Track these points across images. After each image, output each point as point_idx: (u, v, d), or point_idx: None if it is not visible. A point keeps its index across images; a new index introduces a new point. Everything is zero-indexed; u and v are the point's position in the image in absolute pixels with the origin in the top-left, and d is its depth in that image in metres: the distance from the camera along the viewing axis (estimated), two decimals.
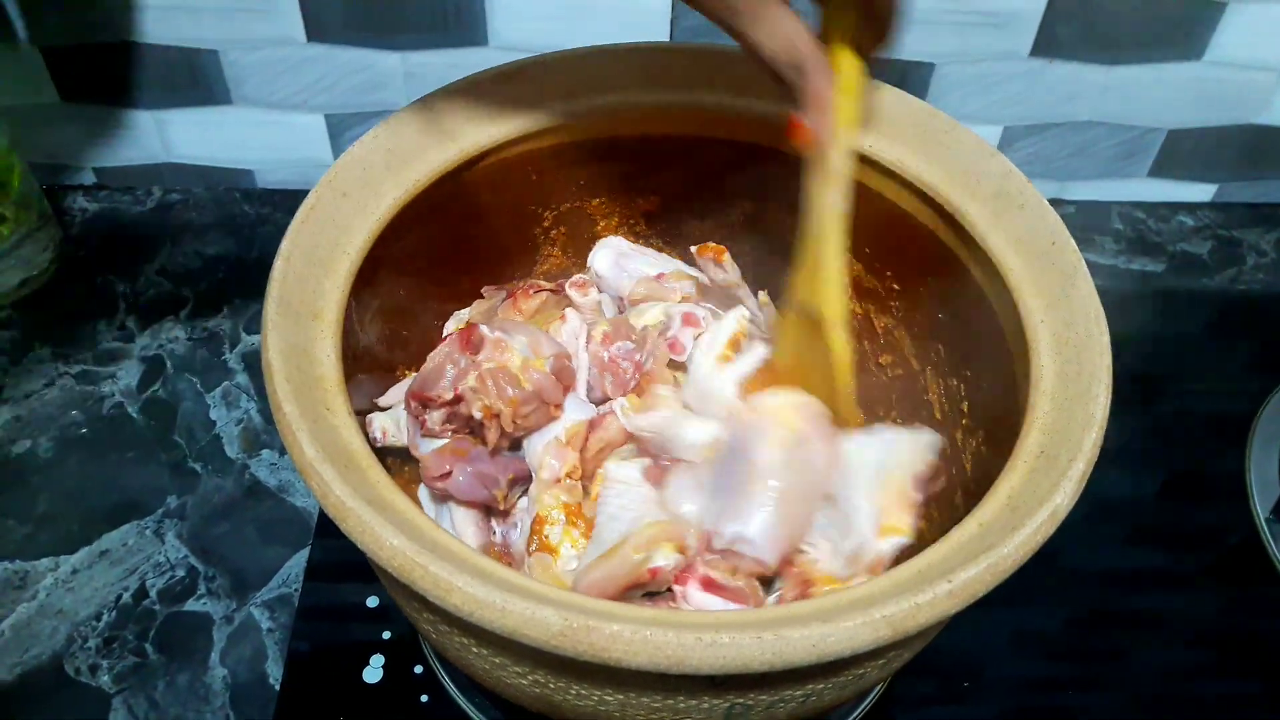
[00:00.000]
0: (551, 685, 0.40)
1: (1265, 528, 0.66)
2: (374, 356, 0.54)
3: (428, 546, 0.37)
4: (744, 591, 0.47)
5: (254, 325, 0.75)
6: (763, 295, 0.60)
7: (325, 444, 0.40)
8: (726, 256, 0.58)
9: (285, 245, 0.46)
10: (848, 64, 0.45)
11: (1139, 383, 0.74)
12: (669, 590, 0.48)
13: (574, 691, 0.40)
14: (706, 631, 0.35)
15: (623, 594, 0.46)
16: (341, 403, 0.43)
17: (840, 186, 0.46)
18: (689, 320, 0.56)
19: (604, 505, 0.51)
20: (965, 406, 0.55)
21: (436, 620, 0.41)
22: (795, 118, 0.44)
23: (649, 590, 0.47)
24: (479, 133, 0.54)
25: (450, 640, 0.42)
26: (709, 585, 0.47)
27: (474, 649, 0.41)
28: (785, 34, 0.42)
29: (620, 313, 0.61)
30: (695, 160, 0.60)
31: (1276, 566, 0.64)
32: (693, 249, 0.59)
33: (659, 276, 0.59)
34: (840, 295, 0.48)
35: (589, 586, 0.46)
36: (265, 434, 0.69)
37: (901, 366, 0.60)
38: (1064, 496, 0.40)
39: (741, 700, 0.40)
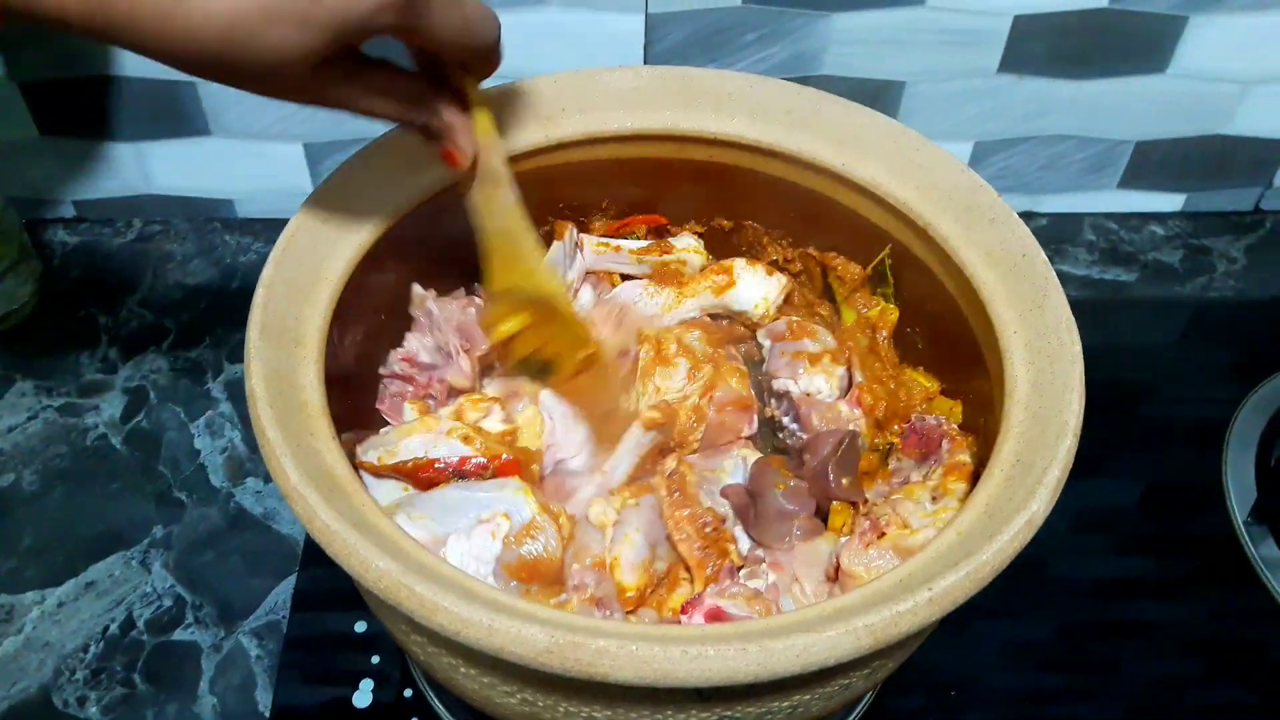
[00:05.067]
0: (540, 703, 0.41)
1: (1243, 531, 0.67)
2: (356, 381, 0.54)
3: (413, 568, 0.37)
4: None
5: (237, 354, 0.75)
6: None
7: (309, 469, 0.40)
8: None
9: (267, 273, 0.47)
10: (467, 86, 0.48)
11: (1115, 392, 0.74)
12: None
13: (562, 709, 0.40)
14: (692, 644, 0.35)
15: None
16: (325, 427, 0.43)
17: (509, 185, 0.51)
18: None
19: None
20: None
21: (424, 641, 0.41)
22: (444, 149, 0.48)
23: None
24: None
25: (438, 661, 0.42)
26: (715, 616, 0.45)
27: (462, 669, 0.41)
28: (404, 92, 0.46)
29: None
30: (675, 180, 0.60)
31: (1255, 569, 0.65)
32: None
33: None
34: (552, 270, 0.56)
35: None
36: (250, 462, 0.69)
37: None
38: (1040, 504, 0.40)
39: (729, 713, 0.40)
